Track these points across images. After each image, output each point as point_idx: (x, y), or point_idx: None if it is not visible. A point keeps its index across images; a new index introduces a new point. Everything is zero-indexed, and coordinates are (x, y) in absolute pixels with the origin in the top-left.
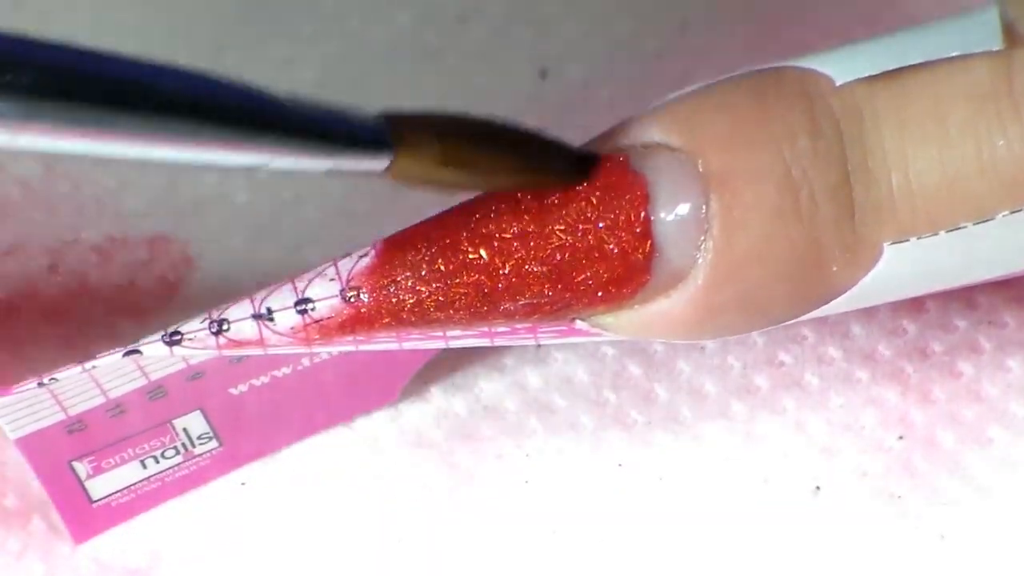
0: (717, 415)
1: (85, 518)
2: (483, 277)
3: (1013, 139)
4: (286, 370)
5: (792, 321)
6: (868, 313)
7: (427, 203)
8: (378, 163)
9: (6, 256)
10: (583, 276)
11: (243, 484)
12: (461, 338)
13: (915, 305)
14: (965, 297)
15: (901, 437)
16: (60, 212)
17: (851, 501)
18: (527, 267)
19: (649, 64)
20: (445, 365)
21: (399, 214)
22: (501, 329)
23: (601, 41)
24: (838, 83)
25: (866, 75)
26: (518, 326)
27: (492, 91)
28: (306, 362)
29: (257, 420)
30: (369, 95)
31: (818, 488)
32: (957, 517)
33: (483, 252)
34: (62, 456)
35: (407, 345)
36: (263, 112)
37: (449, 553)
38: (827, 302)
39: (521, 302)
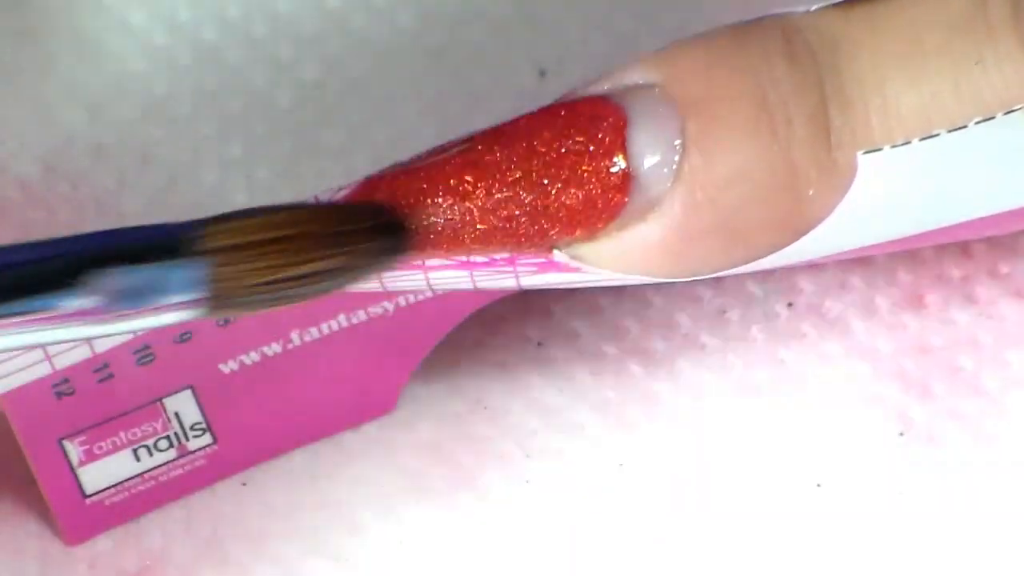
0: (718, 414)
1: (79, 517)
2: (458, 202)
3: (988, 62)
4: (276, 347)
5: (776, 258)
6: (868, 309)
7: None
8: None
9: None
10: (560, 202)
11: (244, 484)
12: (440, 269)
13: (915, 301)
14: (965, 292)
15: (902, 433)
16: (59, 212)
17: (853, 498)
18: (504, 191)
19: None
20: (446, 365)
21: None
22: (479, 260)
23: (600, 41)
24: (813, 8)
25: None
26: (496, 257)
27: (492, 91)
28: (296, 339)
29: (252, 422)
30: (370, 95)
31: (819, 485)
32: (959, 513)
33: (460, 177)
34: (52, 429)
35: (388, 282)
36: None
37: (450, 554)
38: (806, 231)
39: (496, 227)
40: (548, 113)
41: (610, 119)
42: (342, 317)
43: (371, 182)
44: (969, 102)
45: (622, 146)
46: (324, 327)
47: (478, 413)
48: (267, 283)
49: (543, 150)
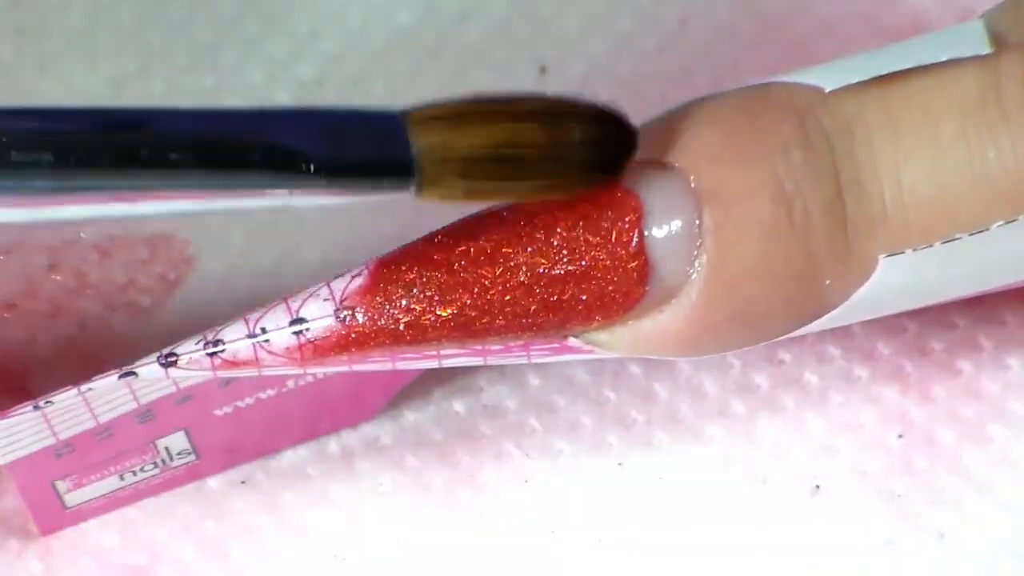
0: (717, 414)
1: (56, 518)
2: (477, 296)
3: (1004, 149)
4: (271, 392)
5: (786, 336)
6: None
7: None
8: (402, 194)
9: (6, 255)
10: (577, 294)
11: (243, 482)
12: (454, 356)
13: None
14: None
15: (901, 435)
16: None
17: (851, 500)
18: (521, 287)
19: (649, 61)
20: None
21: (400, 213)
22: (494, 347)
23: (600, 38)
24: (828, 90)
25: (856, 81)
26: (511, 344)
27: (492, 88)
28: (291, 384)
29: (234, 437)
30: (368, 93)
31: (818, 487)
32: (957, 516)
33: (476, 271)
34: (47, 477)
35: (400, 364)
36: (284, 160)
37: (449, 553)
38: (821, 316)
39: (515, 321)
40: (562, 199)
41: (627, 214)
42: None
43: (385, 270)
44: (986, 190)
45: (640, 238)
46: (319, 373)
47: (477, 412)
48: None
49: (558, 243)
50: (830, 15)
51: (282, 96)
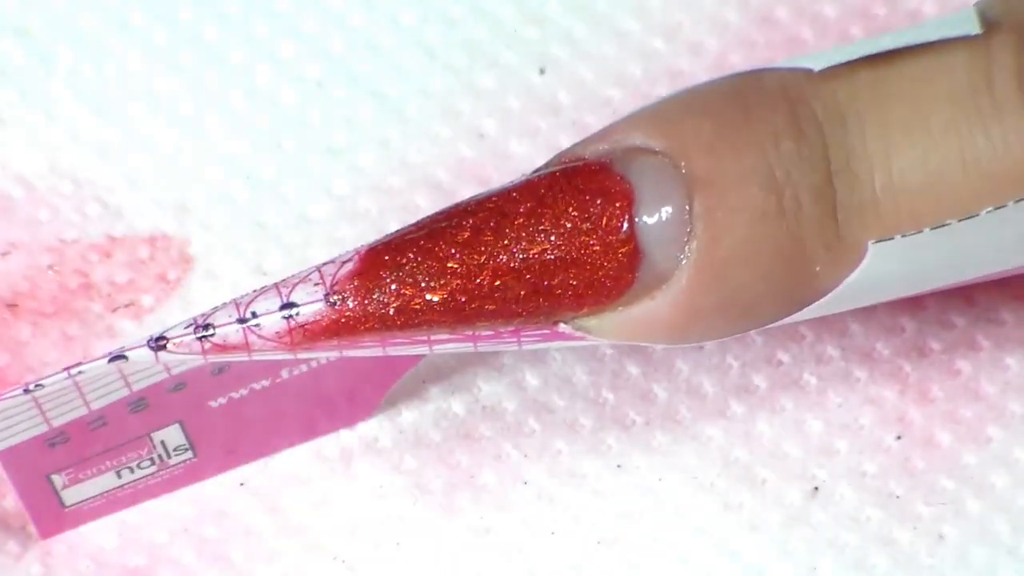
0: (715, 415)
1: (55, 522)
2: (467, 282)
3: (994, 136)
4: (265, 383)
5: (777, 324)
6: (866, 311)
7: (425, 204)
8: None
9: (7, 255)
10: (568, 280)
11: (242, 484)
12: (445, 342)
13: (913, 303)
14: (963, 295)
15: (899, 436)
16: (61, 211)
17: (850, 501)
18: (511, 272)
19: (649, 61)
20: (443, 365)
21: (400, 212)
22: (484, 333)
23: (601, 38)
24: (817, 70)
25: (846, 61)
26: (501, 330)
27: (492, 89)
28: (285, 374)
29: (231, 434)
30: (370, 94)
31: (816, 488)
32: (956, 516)
33: (467, 257)
34: (41, 470)
35: (391, 351)
36: None
37: (448, 554)
38: (811, 303)
39: (505, 306)
40: (552, 185)
41: (618, 195)
42: (333, 352)
43: (375, 255)
44: (977, 178)
45: (631, 224)
46: (313, 363)
47: (476, 413)
48: None
49: (548, 229)
50: (830, 15)
51: (287, 96)
